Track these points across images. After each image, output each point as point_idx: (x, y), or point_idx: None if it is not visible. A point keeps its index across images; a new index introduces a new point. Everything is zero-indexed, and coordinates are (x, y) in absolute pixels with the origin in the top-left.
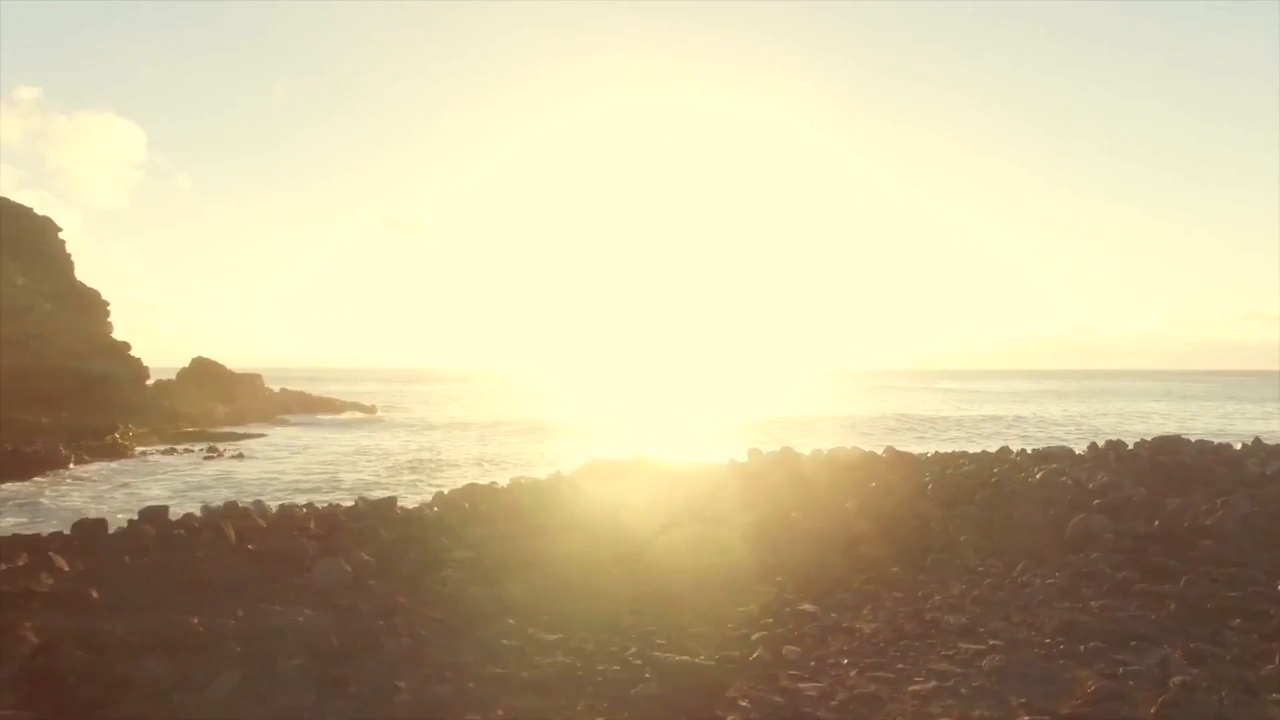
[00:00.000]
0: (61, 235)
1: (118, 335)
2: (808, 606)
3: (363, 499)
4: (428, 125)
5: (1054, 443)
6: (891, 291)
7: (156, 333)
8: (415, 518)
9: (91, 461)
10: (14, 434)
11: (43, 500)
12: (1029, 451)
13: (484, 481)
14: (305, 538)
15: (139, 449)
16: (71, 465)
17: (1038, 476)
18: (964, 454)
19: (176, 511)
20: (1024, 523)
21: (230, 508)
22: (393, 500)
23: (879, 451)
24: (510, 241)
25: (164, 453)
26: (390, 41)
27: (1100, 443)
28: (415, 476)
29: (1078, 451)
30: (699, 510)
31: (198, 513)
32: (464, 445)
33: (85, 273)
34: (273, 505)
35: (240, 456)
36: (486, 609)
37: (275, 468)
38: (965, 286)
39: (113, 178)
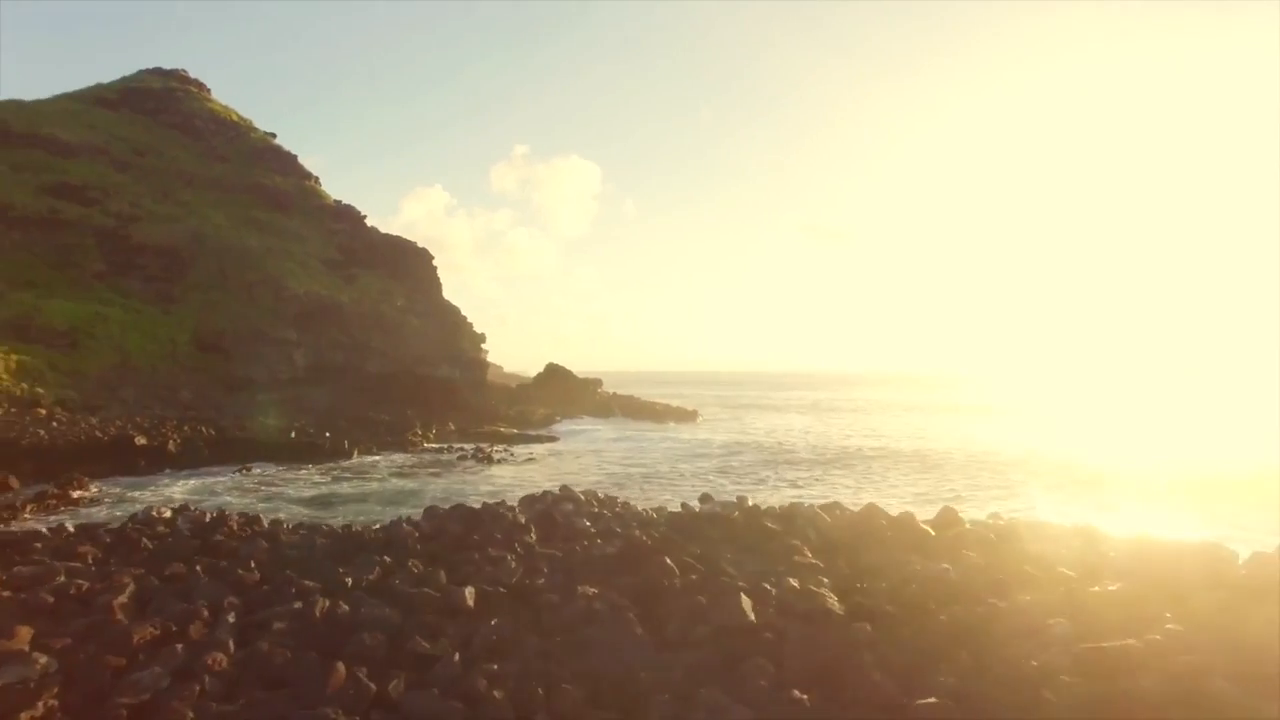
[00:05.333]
0: (434, 263)
1: (576, 344)
2: None
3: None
4: (845, 130)
5: None
6: None
7: (606, 340)
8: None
9: (376, 454)
10: (358, 427)
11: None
12: None
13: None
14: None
15: (426, 445)
16: (354, 457)
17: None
18: None
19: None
20: None
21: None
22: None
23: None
24: (932, 243)
25: (439, 450)
26: (804, 53)
27: None
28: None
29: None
30: None
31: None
32: (712, 465)
33: (553, 290)
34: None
35: (488, 459)
36: None
37: (506, 472)
38: None
39: (578, 210)
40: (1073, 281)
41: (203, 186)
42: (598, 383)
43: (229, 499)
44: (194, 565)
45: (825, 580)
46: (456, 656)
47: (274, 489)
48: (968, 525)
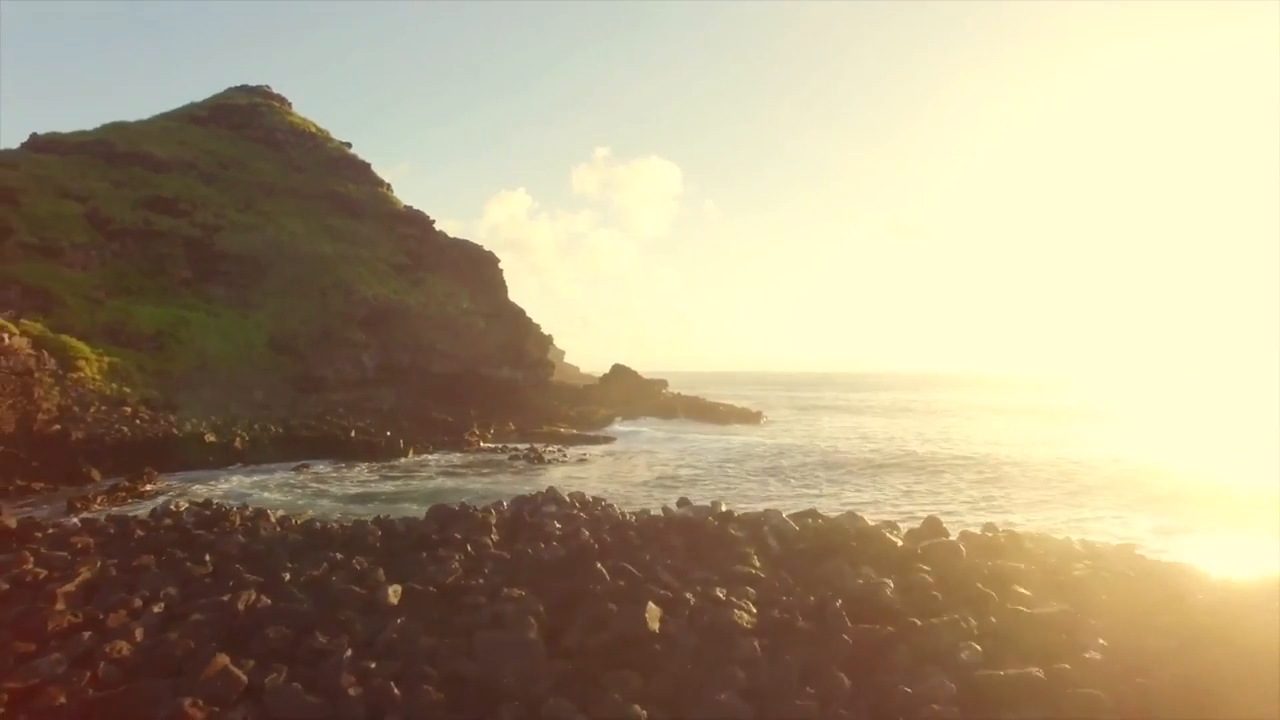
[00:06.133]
0: (500, 265)
1: (657, 345)
2: None
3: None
4: (930, 125)
5: None
6: None
7: (688, 341)
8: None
9: (432, 453)
10: (419, 426)
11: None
12: None
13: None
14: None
15: (483, 445)
16: (408, 456)
17: None
18: None
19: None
20: None
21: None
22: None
23: None
24: (1022, 240)
25: (494, 450)
26: (886, 48)
27: None
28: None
29: None
30: None
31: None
32: (760, 468)
33: (635, 292)
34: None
35: (540, 460)
36: None
37: (555, 473)
38: None
39: (657, 211)
40: (1174, 281)
41: (281, 196)
42: (663, 383)
43: (274, 495)
44: (162, 557)
45: (751, 591)
46: (349, 653)
47: (321, 486)
48: (950, 537)
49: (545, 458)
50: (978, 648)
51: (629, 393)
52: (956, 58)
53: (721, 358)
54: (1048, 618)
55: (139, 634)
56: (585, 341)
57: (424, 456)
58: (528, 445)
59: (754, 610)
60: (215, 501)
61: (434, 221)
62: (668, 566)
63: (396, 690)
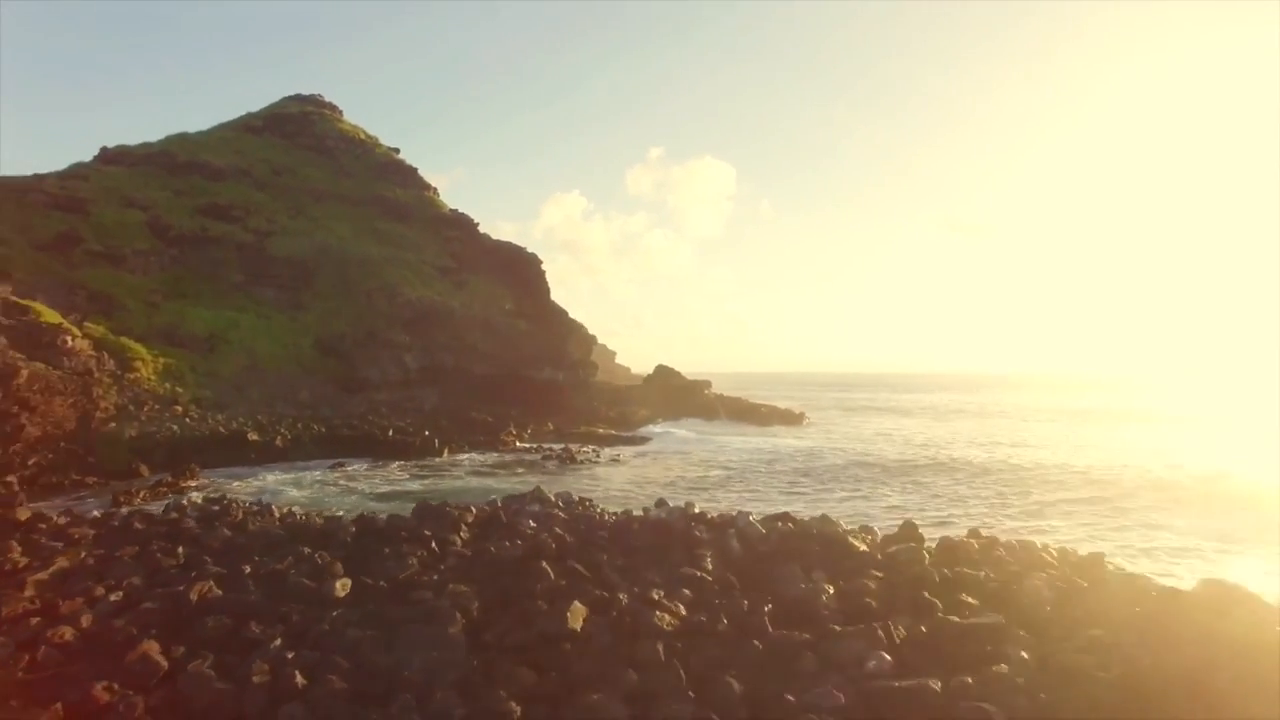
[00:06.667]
0: (543, 267)
1: (712, 345)
2: None
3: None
4: (983, 122)
5: None
6: None
7: (742, 341)
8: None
9: (466, 453)
10: (458, 426)
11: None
12: None
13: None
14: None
15: (518, 445)
16: (443, 455)
17: None
18: None
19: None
20: None
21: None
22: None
23: None
24: (1080, 236)
25: (528, 450)
26: (940, 46)
27: None
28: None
29: None
30: None
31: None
32: (789, 470)
33: (689, 292)
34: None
35: (571, 460)
36: None
37: (583, 473)
38: None
39: (712, 211)
40: (1243, 278)
41: (330, 201)
42: (706, 384)
43: (303, 492)
44: (148, 548)
45: (688, 593)
46: (278, 643)
47: (351, 484)
48: (925, 543)
49: (578, 458)
50: (887, 657)
51: (671, 393)
52: (1011, 55)
53: (775, 358)
54: (976, 628)
55: (86, 620)
56: (638, 342)
57: (458, 456)
58: (562, 446)
59: (682, 612)
60: (228, 497)
61: (478, 224)
62: (617, 567)
63: (301, 680)
